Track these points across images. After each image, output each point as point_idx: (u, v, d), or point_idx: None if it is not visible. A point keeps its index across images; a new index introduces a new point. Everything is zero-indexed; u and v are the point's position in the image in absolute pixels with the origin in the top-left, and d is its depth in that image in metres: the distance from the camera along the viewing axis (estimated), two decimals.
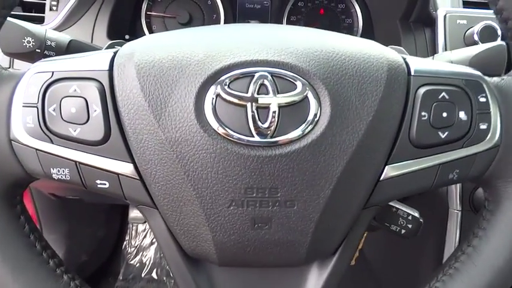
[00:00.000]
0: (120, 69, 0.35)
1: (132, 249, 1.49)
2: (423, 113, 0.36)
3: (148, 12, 0.86)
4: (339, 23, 0.91)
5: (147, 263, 1.47)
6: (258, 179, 0.34)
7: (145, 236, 1.50)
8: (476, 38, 0.69)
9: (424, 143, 0.37)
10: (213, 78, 0.34)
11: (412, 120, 0.36)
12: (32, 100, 0.35)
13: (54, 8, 0.75)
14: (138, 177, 0.36)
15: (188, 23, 0.86)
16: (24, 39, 0.47)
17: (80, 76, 0.36)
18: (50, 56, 0.49)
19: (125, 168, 0.36)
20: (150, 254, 1.48)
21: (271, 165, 0.34)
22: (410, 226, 0.46)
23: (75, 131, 0.35)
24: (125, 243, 1.49)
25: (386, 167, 0.37)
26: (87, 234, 1.28)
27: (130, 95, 0.35)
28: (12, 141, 0.36)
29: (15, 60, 0.72)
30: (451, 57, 0.52)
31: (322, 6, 0.89)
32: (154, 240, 1.52)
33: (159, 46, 0.37)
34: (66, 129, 0.35)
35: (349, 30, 0.90)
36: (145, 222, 1.28)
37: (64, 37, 0.50)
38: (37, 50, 0.48)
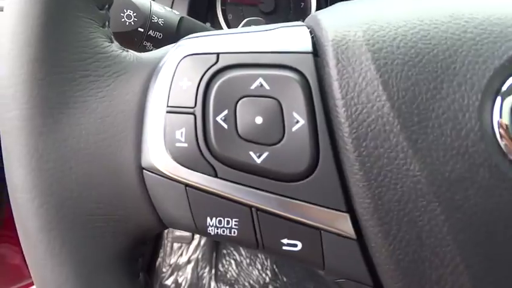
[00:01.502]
0: (341, 53, 0.21)
1: (167, 268, 1.34)
2: None
3: None
4: None
5: (183, 283, 1.32)
6: None
7: (181, 254, 1.36)
8: None
9: None
10: (506, 71, 0.20)
11: None
12: (184, 102, 0.21)
13: None
14: (354, 236, 0.21)
15: (272, 13, 0.71)
16: (123, 13, 0.32)
17: (267, 62, 0.21)
18: (156, 38, 0.34)
19: (335, 220, 0.21)
20: (186, 274, 1.33)
21: None
22: None
23: (259, 156, 0.21)
24: (158, 261, 1.34)
25: None
26: None
27: (363, 97, 0.20)
28: (145, 171, 0.22)
29: None
30: None
31: None
32: (191, 258, 1.39)
33: (389, 14, 0.22)
34: (244, 152, 0.21)
35: None
36: (190, 243, 1.10)
37: (173, 13, 0.36)
38: (139, 29, 0.33)
